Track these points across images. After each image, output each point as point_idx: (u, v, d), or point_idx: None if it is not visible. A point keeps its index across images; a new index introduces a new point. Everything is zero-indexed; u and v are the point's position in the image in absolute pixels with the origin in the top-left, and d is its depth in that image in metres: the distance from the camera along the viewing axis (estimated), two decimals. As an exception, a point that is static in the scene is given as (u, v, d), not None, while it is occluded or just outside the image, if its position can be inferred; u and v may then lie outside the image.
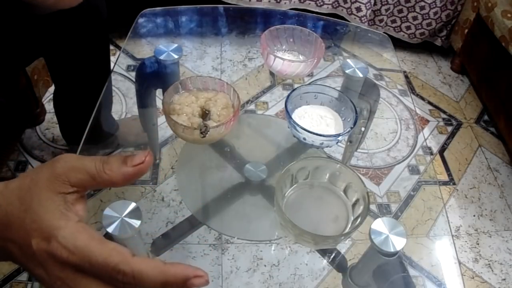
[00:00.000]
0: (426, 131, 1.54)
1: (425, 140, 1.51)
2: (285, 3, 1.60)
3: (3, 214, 0.30)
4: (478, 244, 1.23)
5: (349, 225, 0.64)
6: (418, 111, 1.60)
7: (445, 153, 1.47)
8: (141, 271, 0.28)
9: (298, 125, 0.67)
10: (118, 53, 1.61)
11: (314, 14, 1.18)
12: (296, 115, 0.73)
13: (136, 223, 0.50)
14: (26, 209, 0.30)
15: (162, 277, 0.28)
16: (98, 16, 0.90)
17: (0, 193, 0.31)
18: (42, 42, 0.86)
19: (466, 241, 1.23)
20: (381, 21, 1.72)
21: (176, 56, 0.77)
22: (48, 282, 0.29)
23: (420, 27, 1.73)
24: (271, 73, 1.48)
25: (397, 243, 0.54)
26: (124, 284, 0.28)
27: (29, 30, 0.81)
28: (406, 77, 1.74)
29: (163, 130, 0.99)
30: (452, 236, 1.21)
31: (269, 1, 1.60)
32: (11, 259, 0.31)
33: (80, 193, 0.33)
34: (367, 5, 1.60)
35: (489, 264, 1.18)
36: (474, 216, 1.30)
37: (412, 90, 1.70)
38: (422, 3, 1.65)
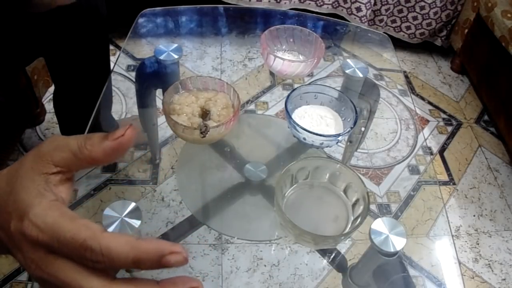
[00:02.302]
0: (426, 131, 1.54)
1: (425, 140, 1.51)
2: (285, 3, 1.60)
3: None
4: (478, 244, 1.23)
5: (349, 225, 0.64)
6: (418, 111, 1.60)
7: (445, 153, 1.47)
8: (110, 247, 0.26)
9: (298, 125, 0.67)
10: (118, 53, 1.61)
11: (314, 14, 1.19)
12: (296, 115, 0.73)
13: (136, 223, 0.50)
14: (10, 191, 0.29)
15: (133, 253, 0.26)
16: (98, 16, 0.90)
17: None
18: (42, 42, 0.86)
19: (466, 241, 1.23)
20: (381, 21, 1.72)
21: (176, 56, 0.77)
22: (25, 265, 0.28)
23: (420, 27, 1.73)
24: (271, 73, 1.48)
25: (397, 243, 0.54)
26: (93, 263, 0.26)
27: (29, 29, 0.81)
28: (406, 77, 1.74)
29: (163, 130, 0.99)
30: (452, 236, 1.21)
31: (269, 1, 1.60)
32: (4, 249, 0.30)
33: (64, 174, 0.31)
34: (367, 5, 1.60)
35: (489, 264, 1.18)
36: (474, 216, 1.30)
37: (412, 90, 1.70)
38: (422, 3, 1.65)
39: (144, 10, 1.02)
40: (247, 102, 1.39)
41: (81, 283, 0.26)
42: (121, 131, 0.30)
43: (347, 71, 0.80)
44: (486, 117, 1.63)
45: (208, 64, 1.49)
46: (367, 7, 1.61)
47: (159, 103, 0.77)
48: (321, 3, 1.64)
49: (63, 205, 0.29)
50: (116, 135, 0.30)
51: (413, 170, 1.31)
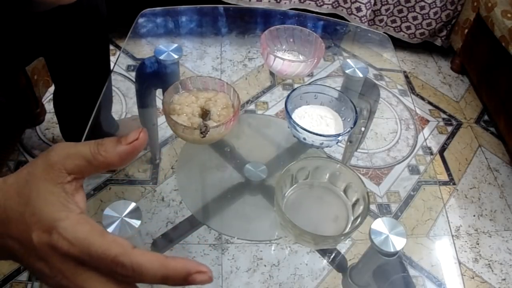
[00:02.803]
0: (426, 131, 1.54)
1: (425, 140, 1.51)
2: (285, 3, 1.60)
3: (2, 210, 0.30)
4: (478, 244, 1.23)
5: (349, 225, 0.64)
6: (418, 111, 1.60)
7: (445, 153, 1.47)
8: (141, 263, 0.27)
9: (298, 125, 0.67)
10: (118, 53, 1.61)
11: (314, 14, 1.19)
12: (296, 115, 0.73)
13: (136, 223, 0.50)
14: (26, 203, 0.30)
15: (163, 271, 0.27)
16: (98, 16, 0.90)
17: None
18: (42, 42, 0.86)
19: (466, 241, 1.23)
20: (381, 21, 1.72)
21: (176, 56, 0.77)
22: (50, 275, 0.29)
23: (420, 27, 1.73)
24: (271, 73, 1.48)
25: (397, 243, 0.54)
26: (123, 277, 0.28)
27: (29, 29, 0.81)
28: (406, 77, 1.74)
29: (163, 130, 0.99)
30: (452, 236, 1.21)
31: (269, 1, 1.60)
32: (10, 257, 0.31)
33: (78, 181, 0.32)
34: (367, 5, 1.60)
35: (489, 264, 1.18)
36: (474, 216, 1.30)
37: (412, 90, 1.70)
38: (422, 3, 1.65)
39: (144, 10, 1.02)
40: (247, 102, 1.39)
41: None
42: (134, 135, 0.32)
43: (347, 71, 0.80)
44: (486, 117, 1.63)
45: (208, 64, 1.49)
46: (367, 7, 1.61)
47: (159, 103, 0.77)
48: (321, 3, 1.64)
49: (91, 219, 0.30)
50: (130, 139, 0.32)
51: (413, 170, 1.31)
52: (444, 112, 1.63)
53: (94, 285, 0.28)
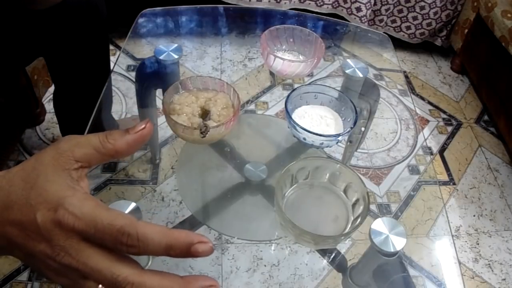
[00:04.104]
0: (426, 131, 1.54)
1: (425, 140, 1.51)
2: (285, 3, 1.60)
3: (5, 195, 0.30)
4: (478, 244, 1.23)
5: (349, 225, 0.64)
6: (418, 111, 1.60)
7: (445, 153, 1.47)
8: (146, 233, 0.28)
9: (298, 125, 0.67)
10: (118, 53, 1.61)
11: (314, 14, 1.18)
12: (296, 115, 0.73)
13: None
14: (31, 186, 0.30)
15: (166, 240, 0.28)
16: (98, 15, 0.90)
17: (2, 176, 0.31)
18: (42, 41, 0.86)
19: (466, 241, 1.23)
20: (381, 21, 1.72)
21: (176, 56, 0.77)
22: (51, 255, 0.29)
23: (420, 27, 1.73)
24: (271, 73, 1.48)
25: (397, 243, 0.54)
26: (128, 247, 0.28)
27: (29, 29, 0.81)
28: (406, 77, 1.74)
29: (163, 130, 0.99)
30: (452, 236, 1.21)
31: (269, 1, 1.60)
32: (6, 249, 0.31)
33: (84, 169, 0.33)
34: (367, 5, 1.60)
35: (489, 264, 1.18)
36: (474, 216, 1.30)
37: (412, 90, 1.70)
38: (422, 3, 1.65)
39: (144, 10, 1.02)
40: (247, 102, 1.39)
41: (112, 270, 0.28)
42: (141, 125, 0.34)
43: (347, 71, 0.80)
44: (486, 117, 1.63)
45: (208, 64, 1.49)
46: (367, 7, 1.61)
47: (159, 103, 0.77)
48: (321, 3, 1.64)
49: (95, 198, 0.31)
50: (138, 128, 0.34)
51: (413, 170, 1.31)
52: (444, 112, 1.63)
53: (98, 261, 0.29)
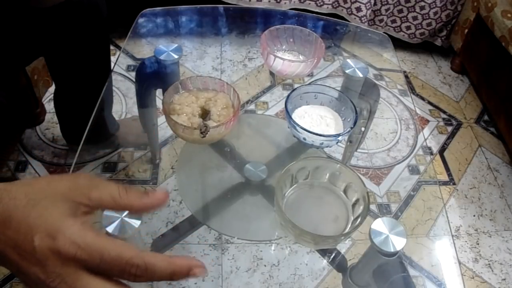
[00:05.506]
0: (426, 131, 1.54)
1: (425, 140, 1.50)
2: (285, 3, 1.60)
3: (4, 209, 0.30)
4: (478, 244, 1.23)
5: (349, 225, 0.64)
6: (418, 111, 1.60)
7: (445, 153, 1.47)
8: (153, 263, 0.30)
9: (298, 125, 0.67)
10: (118, 53, 1.61)
11: (314, 14, 1.18)
12: (296, 115, 0.73)
13: (136, 223, 0.50)
14: (34, 205, 0.30)
15: (171, 268, 0.31)
16: (98, 15, 0.90)
17: (3, 189, 0.31)
18: (42, 40, 0.86)
19: (466, 241, 1.23)
20: (381, 21, 1.72)
21: (176, 56, 0.77)
22: (45, 280, 0.29)
23: (420, 27, 1.73)
24: (271, 73, 1.48)
25: (397, 243, 0.54)
26: (136, 277, 0.30)
27: (29, 28, 0.81)
28: (406, 77, 1.74)
29: (163, 130, 0.99)
30: (452, 236, 1.21)
31: (269, 1, 1.60)
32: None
33: (91, 211, 0.34)
34: (367, 5, 1.60)
35: (489, 264, 1.18)
36: (474, 216, 1.30)
37: (412, 90, 1.70)
38: (422, 3, 1.65)
39: (144, 10, 1.02)
40: (247, 102, 1.39)
41: None
42: (160, 194, 0.36)
43: (347, 71, 0.80)
44: (486, 117, 1.63)
45: (208, 64, 1.49)
46: (367, 7, 1.61)
47: (159, 103, 0.77)
48: (321, 3, 1.64)
49: (94, 226, 0.32)
50: (157, 196, 0.36)
51: (413, 170, 1.31)
52: (444, 112, 1.63)
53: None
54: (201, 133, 0.62)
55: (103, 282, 0.30)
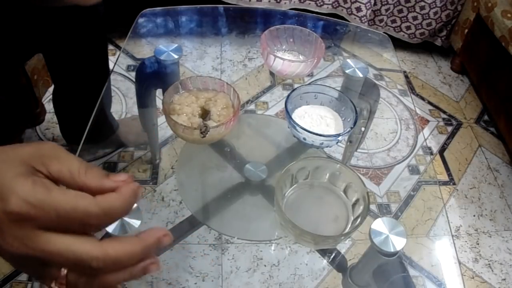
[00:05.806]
0: (426, 131, 1.54)
1: (425, 140, 1.50)
2: (285, 3, 1.60)
3: None
4: (478, 244, 1.23)
5: (349, 225, 0.64)
6: (418, 111, 1.60)
7: (445, 153, 1.47)
8: (108, 207, 0.29)
9: (298, 125, 0.67)
10: (118, 53, 1.61)
11: (314, 14, 1.18)
12: (296, 115, 0.73)
13: (136, 223, 0.50)
14: None
15: (126, 207, 0.30)
16: (95, 13, 0.90)
17: None
18: (40, 37, 0.86)
19: (466, 241, 1.23)
20: (381, 21, 1.72)
21: (176, 56, 0.77)
22: (4, 246, 0.28)
23: (420, 27, 1.73)
24: (271, 73, 1.48)
25: (397, 243, 0.54)
26: (97, 227, 0.29)
27: (27, 24, 0.80)
28: (406, 77, 1.74)
29: (163, 130, 0.99)
30: (452, 236, 1.21)
31: (269, 1, 1.60)
32: None
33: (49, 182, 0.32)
34: (367, 5, 1.60)
35: (489, 264, 1.18)
36: (474, 216, 1.30)
37: (412, 90, 1.70)
38: (422, 3, 1.65)
39: (144, 10, 1.02)
40: (247, 102, 1.39)
41: (73, 249, 0.28)
42: (123, 176, 0.32)
43: (347, 71, 0.80)
44: (486, 117, 1.63)
45: (208, 64, 1.49)
46: (367, 7, 1.61)
47: (159, 103, 0.77)
48: (321, 3, 1.64)
49: (46, 179, 0.29)
50: (118, 178, 0.32)
51: (413, 170, 1.31)
52: (444, 112, 1.63)
53: (56, 244, 0.28)
54: (201, 133, 0.62)
55: (62, 236, 0.28)
